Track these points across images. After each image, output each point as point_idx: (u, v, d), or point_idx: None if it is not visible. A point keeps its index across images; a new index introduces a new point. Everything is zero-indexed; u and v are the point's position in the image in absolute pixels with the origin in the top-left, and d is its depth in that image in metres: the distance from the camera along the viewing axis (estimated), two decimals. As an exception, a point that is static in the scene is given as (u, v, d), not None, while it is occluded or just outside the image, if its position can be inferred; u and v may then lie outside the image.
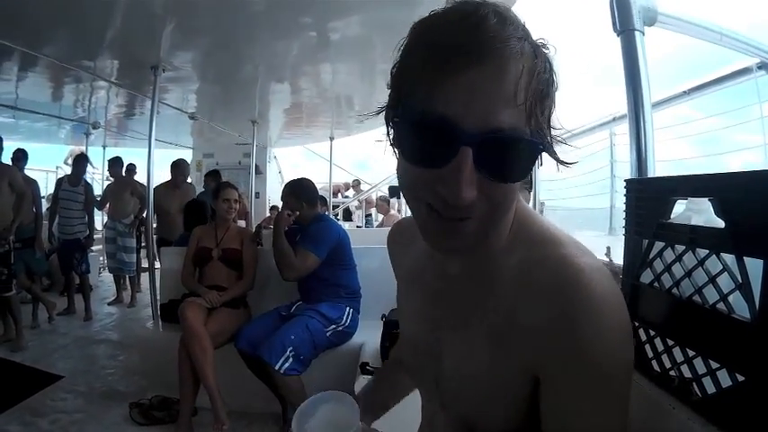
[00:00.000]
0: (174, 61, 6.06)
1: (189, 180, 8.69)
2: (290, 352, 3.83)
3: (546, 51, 0.84)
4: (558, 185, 8.27)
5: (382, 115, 0.92)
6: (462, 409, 1.06)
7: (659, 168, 2.40)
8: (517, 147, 0.81)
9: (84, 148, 11.40)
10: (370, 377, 3.23)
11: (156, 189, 6.71)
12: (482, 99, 0.77)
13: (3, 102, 8.37)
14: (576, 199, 8.01)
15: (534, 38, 0.84)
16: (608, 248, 3.46)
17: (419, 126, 0.82)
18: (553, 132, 0.88)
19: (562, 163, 0.92)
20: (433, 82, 0.78)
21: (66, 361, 5.87)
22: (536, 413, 0.92)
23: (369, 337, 4.29)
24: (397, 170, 0.91)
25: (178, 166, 7.52)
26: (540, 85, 0.81)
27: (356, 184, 16.27)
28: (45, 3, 4.39)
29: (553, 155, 0.89)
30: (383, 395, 1.49)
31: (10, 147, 6.95)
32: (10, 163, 6.86)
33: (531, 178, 7.32)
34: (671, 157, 5.85)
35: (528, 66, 0.79)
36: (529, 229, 1.00)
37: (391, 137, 0.90)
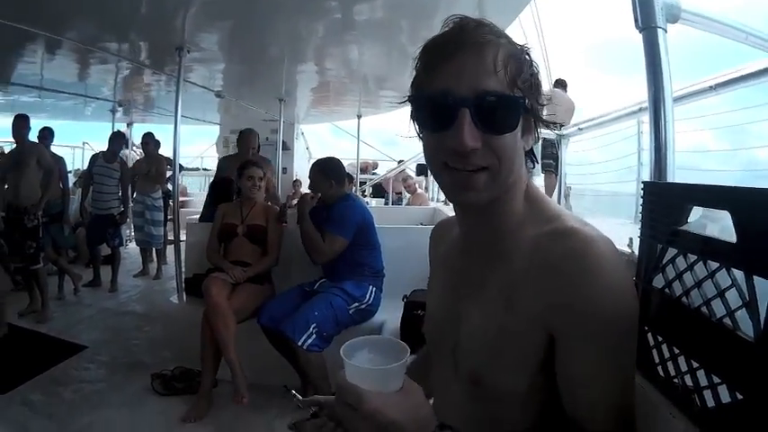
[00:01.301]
0: (198, 42, 6.05)
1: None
2: (314, 328, 3.88)
3: (527, 50, 1.10)
4: (587, 170, 8.21)
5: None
6: (473, 365, 1.16)
7: (680, 159, 2.39)
8: (503, 103, 1.02)
9: (111, 126, 11.38)
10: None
11: (223, 161, 6.87)
12: (469, 72, 1.01)
13: (29, 83, 8.41)
14: (604, 185, 7.95)
15: (517, 42, 1.10)
16: (630, 239, 3.42)
17: (428, 100, 1.07)
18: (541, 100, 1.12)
19: (543, 121, 1.15)
20: (433, 70, 1.06)
21: (91, 332, 5.98)
22: (548, 373, 1.07)
23: (390, 316, 4.35)
24: (423, 147, 1.13)
25: (244, 138, 6.81)
26: (516, 62, 1.04)
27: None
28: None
29: (535, 113, 1.11)
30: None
31: (36, 124, 7.06)
32: (36, 140, 6.97)
33: (557, 162, 7.31)
34: (694, 148, 5.82)
35: (504, 49, 1.04)
36: (539, 207, 1.18)
37: (413, 117, 1.13)
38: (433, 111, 1.07)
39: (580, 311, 0.99)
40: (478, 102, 1.00)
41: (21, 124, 6.37)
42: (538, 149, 8.19)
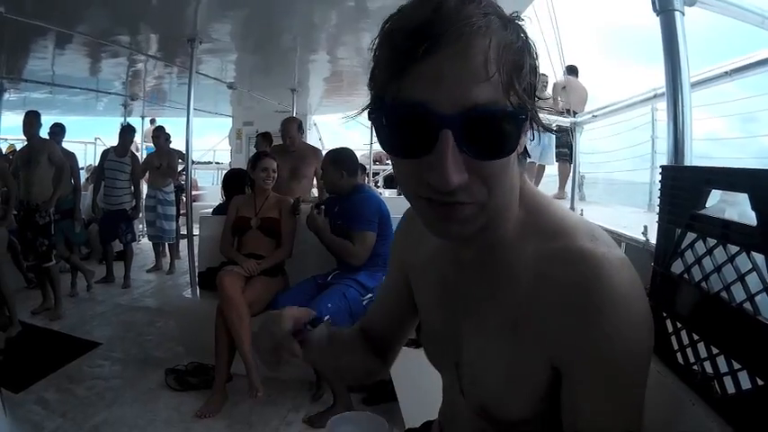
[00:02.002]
0: (210, 33, 6.04)
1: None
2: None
3: (519, 23, 0.85)
4: (600, 158, 8.18)
5: None
6: (481, 397, 1.07)
7: (697, 147, 2.37)
8: (498, 121, 0.80)
9: (123, 120, 11.41)
10: (405, 347, 3.23)
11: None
12: (451, 78, 0.77)
13: (40, 79, 8.44)
14: (618, 173, 7.92)
15: (506, 11, 0.84)
16: (645, 227, 3.40)
17: (395, 117, 0.84)
18: (541, 103, 0.90)
19: (547, 130, 0.94)
20: (400, 72, 0.80)
21: (104, 328, 6.00)
22: (553, 401, 0.95)
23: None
24: (393, 168, 0.96)
25: (283, 126, 6.34)
26: (513, 55, 0.80)
27: None
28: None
29: (539, 124, 0.90)
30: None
31: (48, 121, 7.08)
32: (47, 137, 6.98)
33: (571, 152, 7.28)
34: (709, 135, 5.76)
35: (496, 39, 0.78)
36: (539, 217, 1.01)
37: (376, 133, 0.90)
38: (404, 131, 0.83)
39: (590, 351, 0.86)
40: (466, 120, 0.78)
41: (31, 121, 6.38)
42: (552, 140, 8.21)
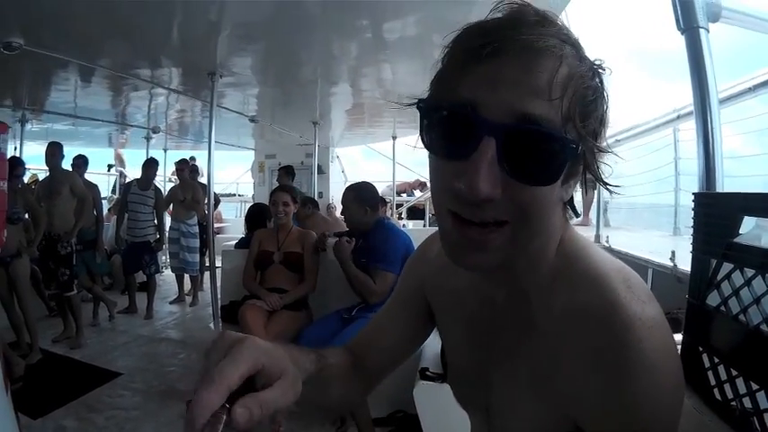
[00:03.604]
0: (231, 67, 6.08)
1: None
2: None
3: (600, 71, 0.80)
4: (623, 182, 8.11)
5: None
6: None
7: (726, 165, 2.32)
8: (546, 141, 0.75)
9: (146, 152, 11.46)
10: (429, 382, 3.20)
11: None
12: (509, 85, 0.73)
13: (62, 110, 8.50)
14: (641, 197, 7.84)
15: (589, 56, 0.80)
16: (672, 253, 3.35)
17: (442, 113, 0.81)
18: (599, 154, 0.83)
19: (603, 184, 0.88)
20: (460, 70, 0.77)
21: (126, 358, 5.99)
22: None
23: (429, 341, 4.23)
24: (429, 173, 0.87)
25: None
26: (583, 91, 0.76)
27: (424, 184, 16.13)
28: (101, 19, 4.43)
29: (593, 167, 0.84)
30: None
31: (70, 152, 7.17)
32: (70, 168, 7.06)
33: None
34: (729, 153, 5.68)
35: (567, 66, 0.75)
36: (574, 264, 0.92)
37: (422, 129, 0.84)
38: (446, 129, 0.80)
39: (617, 416, 0.78)
40: (512, 131, 0.73)
41: (53, 151, 6.43)
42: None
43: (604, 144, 0.83)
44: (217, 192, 10.46)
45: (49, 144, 6.49)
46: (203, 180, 9.26)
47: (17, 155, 8.19)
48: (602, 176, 0.87)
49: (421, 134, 0.84)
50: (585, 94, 0.76)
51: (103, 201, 8.32)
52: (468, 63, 0.76)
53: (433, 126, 0.82)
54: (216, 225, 7.68)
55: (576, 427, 0.87)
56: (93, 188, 7.36)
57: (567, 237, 0.96)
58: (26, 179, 8.22)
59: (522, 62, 0.73)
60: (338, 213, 6.96)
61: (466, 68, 0.76)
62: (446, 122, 0.79)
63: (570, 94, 0.74)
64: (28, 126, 9.44)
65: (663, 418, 0.78)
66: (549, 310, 0.90)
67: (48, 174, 6.75)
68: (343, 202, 4.49)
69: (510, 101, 0.73)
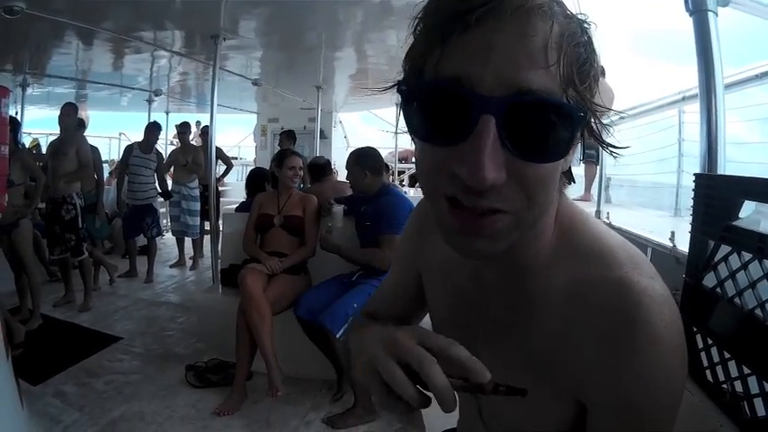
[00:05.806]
0: (235, 30, 6.06)
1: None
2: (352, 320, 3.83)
3: (586, 26, 0.73)
4: (626, 160, 8.06)
5: None
6: (502, 428, 1.03)
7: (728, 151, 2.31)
8: (553, 114, 0.68)
9: (147, 116, 11.36)
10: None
11: None
12: (504, 54, 0.66)
13: (64, 74, 8.51)
14: (643, 175, 7.80)
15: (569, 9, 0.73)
16: (672, 233, 3.34)
17: (428, 94, 0.72)
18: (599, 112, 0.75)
19: (608, 146, 0.82)
20: (442, 41, 0.69)
21: (125, 323, 6.01)
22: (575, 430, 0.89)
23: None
24: (415, 159, 0.81)
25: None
26: (576, 48, 0.70)
27: None
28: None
29: (599, 133, 0.78)
30: None
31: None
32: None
33: (598, 153, 7.20)
34: (732, 139, 5.66)
35: (559, 26, 0.68)
36: (574, 237, 0.89)
37: (404, 113, 0.77)
38: (435, 111, 0.71)
39: (621, 392, 0.78)
40: (514, 107, 0.66)
41: (68, 112, 6.37)
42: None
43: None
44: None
45: (65, 104, 6.41)
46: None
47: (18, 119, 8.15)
48: (609, 144, 0.82)
49: (406, 121, 0.77)
50: (579, 53, 0.70)
51: (104, 164, 8.27)
52: (452, 32, 0.68)
53: (420, 110, 0.74)
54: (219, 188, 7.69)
55: (576, 403, 0.87)
56: (94, 151, 7.29)
57: (562, 208, 0.92)
58: (27, 143, 8.20)
59: (514, 26, 0.66)
60: (338, 178, 6.96)
61: (450, 39, 0.68)
62: (435, 105, 0.71)
63: (566, 54, 0.68)
64: (29, 90, 9.42)
65: (666, 395, 0.78)
66: (548, 285, 0.87)
67: (59, 135, 6.65)
68: (346, 165, 4.53)
69: (506, 71, 0.66)
